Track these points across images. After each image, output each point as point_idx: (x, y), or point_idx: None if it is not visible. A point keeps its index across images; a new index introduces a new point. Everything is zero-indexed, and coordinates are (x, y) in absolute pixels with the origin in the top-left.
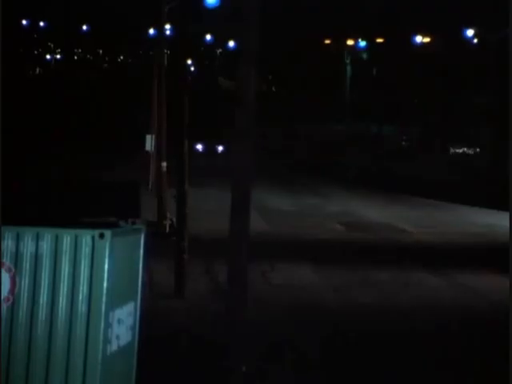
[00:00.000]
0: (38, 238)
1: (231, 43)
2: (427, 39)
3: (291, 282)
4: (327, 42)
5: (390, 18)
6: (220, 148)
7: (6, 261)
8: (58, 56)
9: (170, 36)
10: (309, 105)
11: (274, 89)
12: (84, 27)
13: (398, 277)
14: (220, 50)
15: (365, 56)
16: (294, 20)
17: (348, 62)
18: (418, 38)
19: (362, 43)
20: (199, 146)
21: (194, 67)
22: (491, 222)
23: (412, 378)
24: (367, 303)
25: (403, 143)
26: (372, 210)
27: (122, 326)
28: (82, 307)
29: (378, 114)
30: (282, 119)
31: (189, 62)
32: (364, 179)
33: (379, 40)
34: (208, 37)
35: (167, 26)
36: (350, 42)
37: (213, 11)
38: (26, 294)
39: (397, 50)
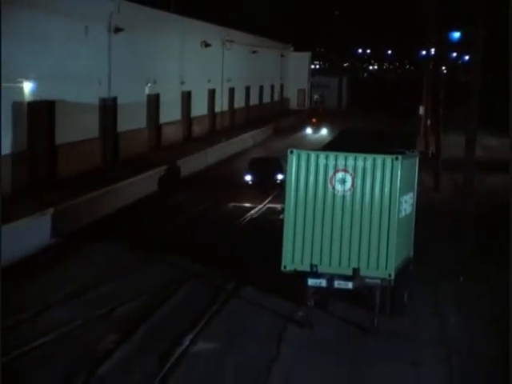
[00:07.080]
0: (365, 160)
1: (466, 57)
2: None
3: (495, 187)
4: None
5: None
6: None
7: (350, 170)
8: (376, 67)
9: (433, 54)
10: None
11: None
12: (389, 51)
13: None
14: (460, 62)
15: None
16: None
17: None
18: None
19: None
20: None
21: (446, 71)
22: None
23: None
24: None
25: None
26: None
27: (407, 204)
28: (387, 194)
29: None
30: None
31: (443, 68)
32: None
33: None
34: (454, 54)
35: (432, 49)
36: None
37: (457, 39)
38: (358, 187)
39: None
